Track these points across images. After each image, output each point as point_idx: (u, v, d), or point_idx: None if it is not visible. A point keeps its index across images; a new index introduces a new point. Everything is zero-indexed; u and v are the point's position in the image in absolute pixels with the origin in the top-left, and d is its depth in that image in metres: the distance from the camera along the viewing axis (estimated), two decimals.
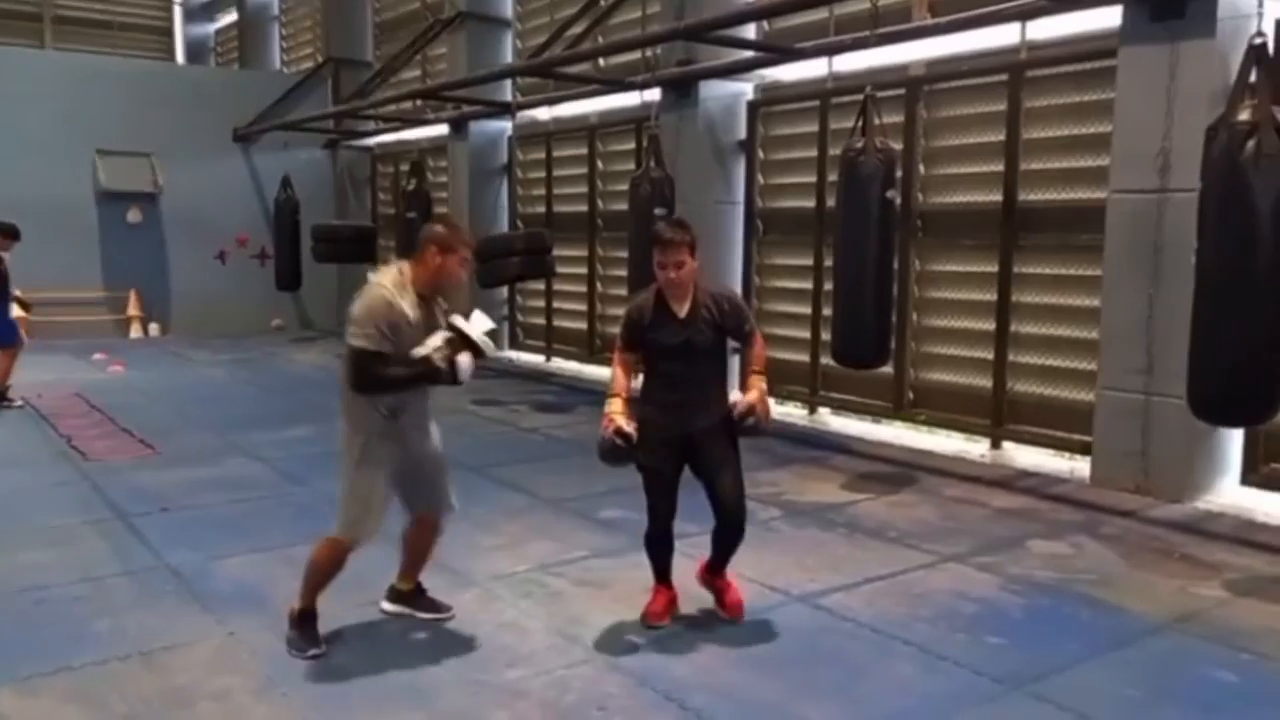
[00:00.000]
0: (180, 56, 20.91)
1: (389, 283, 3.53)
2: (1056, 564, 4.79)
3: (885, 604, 4.25)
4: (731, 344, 3.94)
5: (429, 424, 3.82)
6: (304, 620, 3.75)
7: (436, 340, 3.54)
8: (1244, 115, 4.26)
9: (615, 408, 3.77)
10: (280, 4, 18.42)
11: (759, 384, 3.82)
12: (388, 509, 3.72)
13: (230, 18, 20.01)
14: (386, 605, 4.08)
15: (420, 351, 3.51)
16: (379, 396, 3.55)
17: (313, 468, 6.55)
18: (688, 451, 3.84)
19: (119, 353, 12.09)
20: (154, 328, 14.26)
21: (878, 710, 3.32)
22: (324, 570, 3.74)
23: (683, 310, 3.80)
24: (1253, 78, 4.32)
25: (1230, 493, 5.87)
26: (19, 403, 8.62)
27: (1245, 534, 5.20)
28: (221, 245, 14.67)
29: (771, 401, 3.92)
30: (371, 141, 15.34)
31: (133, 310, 14.06)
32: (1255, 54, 4.31)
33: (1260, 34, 4.34)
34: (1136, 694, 3.44)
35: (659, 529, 3.94)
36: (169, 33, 21.06)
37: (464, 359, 3.51)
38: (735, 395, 3.89)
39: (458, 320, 3.60)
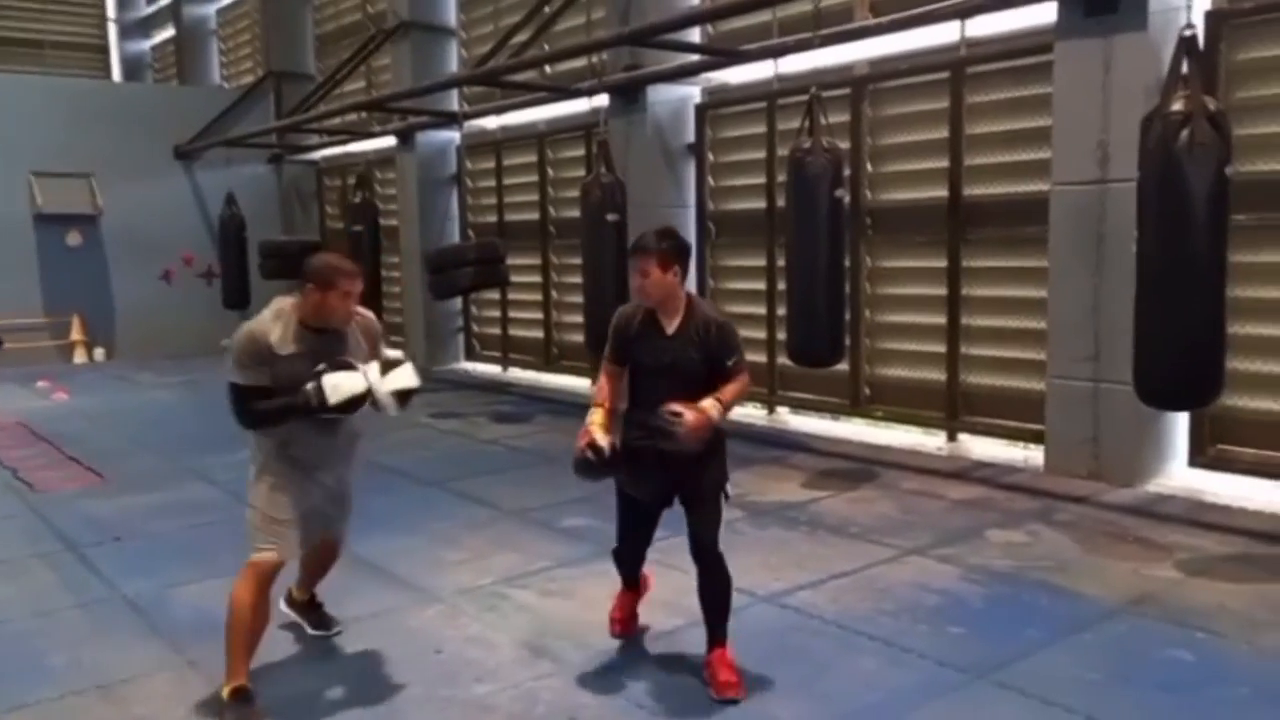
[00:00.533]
0: (117, 74, 20.50)
1: (267, 314, 3.44)
2: (1014, 552, 4.87)
3: (849, 600, 4.28)
4: None
5: (338, 463, 3.64)
6: (238, 702, 3.31)
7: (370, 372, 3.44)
8: (1177, 105, 4.36)
9: (595, 419, 3.50)
10: (218, 18, 18.13)
11: (709, 403, 3.33)
12: (297, 525, 3.52)
13: (167, 33, 19.65)
14: (283, 606, 4.06)
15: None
16: (266, 429, 3.47)
17: None
18: (675, 483, 3.52)
19: (63, 379, 11.80)
20: (99, 352, 13.95)
21: (844, 706, 3.34)
22: (244, 618, 3.37)
23: (671, 327, 3.48)
24: (1184, 69, 4.43)
25: (1179, 475, 6.01)
26: None
27: (1195, 515, 5.32)
28: (166, 265, 14.40)
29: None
30: (317, 155, 15.16)
31: (76, 335, 13.74)
32: (1185, 45, 4.42)
33: (1190, 26, 4.46)
34: (1096, 677, 3.51)
35: (625, 551, 3.80)
36: (105, 50, 20.64)
37: (343, 383, 3.34)
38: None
39: (366, 367, 3.46)
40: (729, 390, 3.41)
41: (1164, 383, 4.64)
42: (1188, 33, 4.42)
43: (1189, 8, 4.61)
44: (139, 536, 5.52)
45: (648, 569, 3.91)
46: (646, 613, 4.03)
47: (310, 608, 4.09)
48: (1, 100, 13.25)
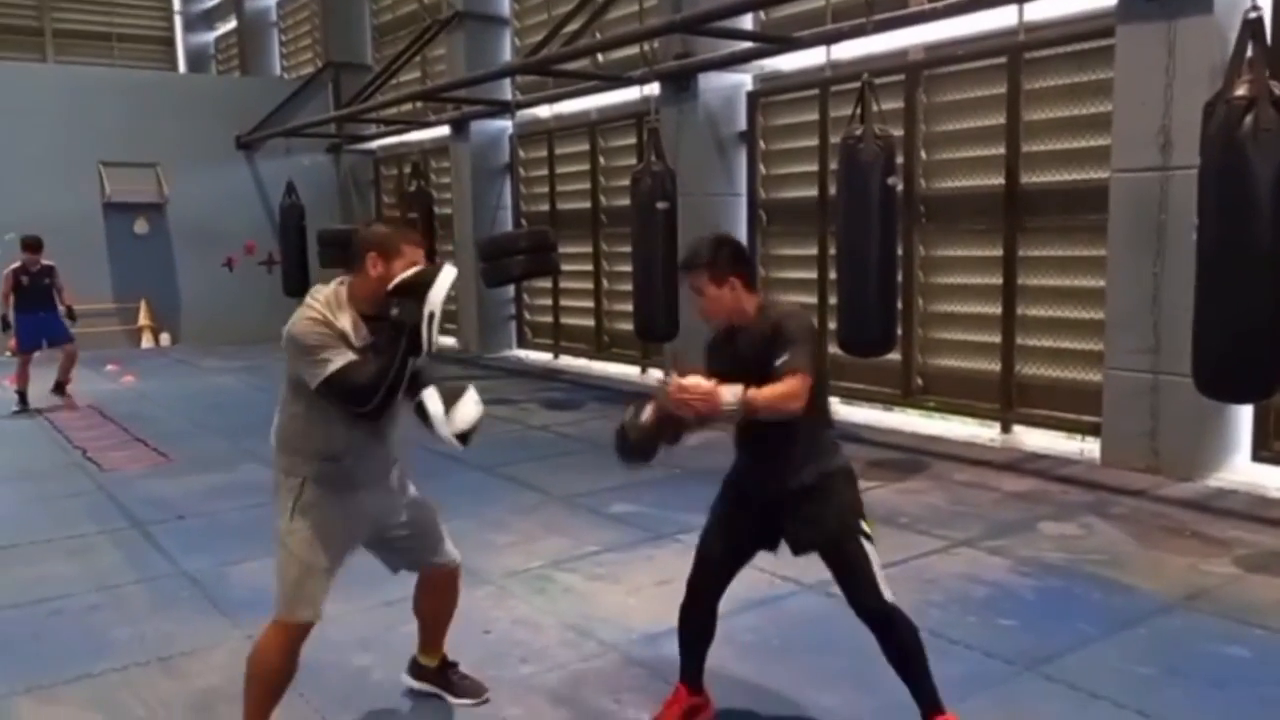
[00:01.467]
0: (182, 65, 21.01)
1: (318, 304, 2.84)
2: (1067, 545, 4.80)
3: (896, 590, 4.19)
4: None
5: (393, 468, 3.06)
6: None
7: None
8: (1241, 90, 4.24)
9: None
10: (279, 10, 18.48)
11: (727, 388, 2.70)
12: (332, 576, 2.97)
13: (230, 25, 20.09)
14: (410, 680, 3.45)
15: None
16: (313, 438, 2.90)
17: None
18: (767, 521, 3.00)
19: (131, 363, 12.17)
20: (165, 337, 14.36)
21: (889, 696, 3.31)
22: (271, 682, 2.95)
23: (741, 335, 2.96)
24: (1249, 52, 4.30)
25: (1241, 469, 5.86)
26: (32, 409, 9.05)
27: (1256, 510, 5.20)
28: (229, 253, 14.76)
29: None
30: (374, 144, 15.39)
31: (143, 320, 14.16)
32: (1251, 28, 4.29)
33: (1255, 8, 4.32)
34: (1148, 672, 3.45)
35: (689, 606, 3.12)
36: (170, 42, 21.17)
37: (469, 412, 2.96)
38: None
39: (427, 394, 2.98)
40: (767, 389, 2.71)
41: (1223, 374, 4.52)
42: (1253, 15, 4.29)
43: None
44: (201, 515, 5.70)
45: None
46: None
47: (444, 672, 3.41)
48: (72, 92, 13.68)
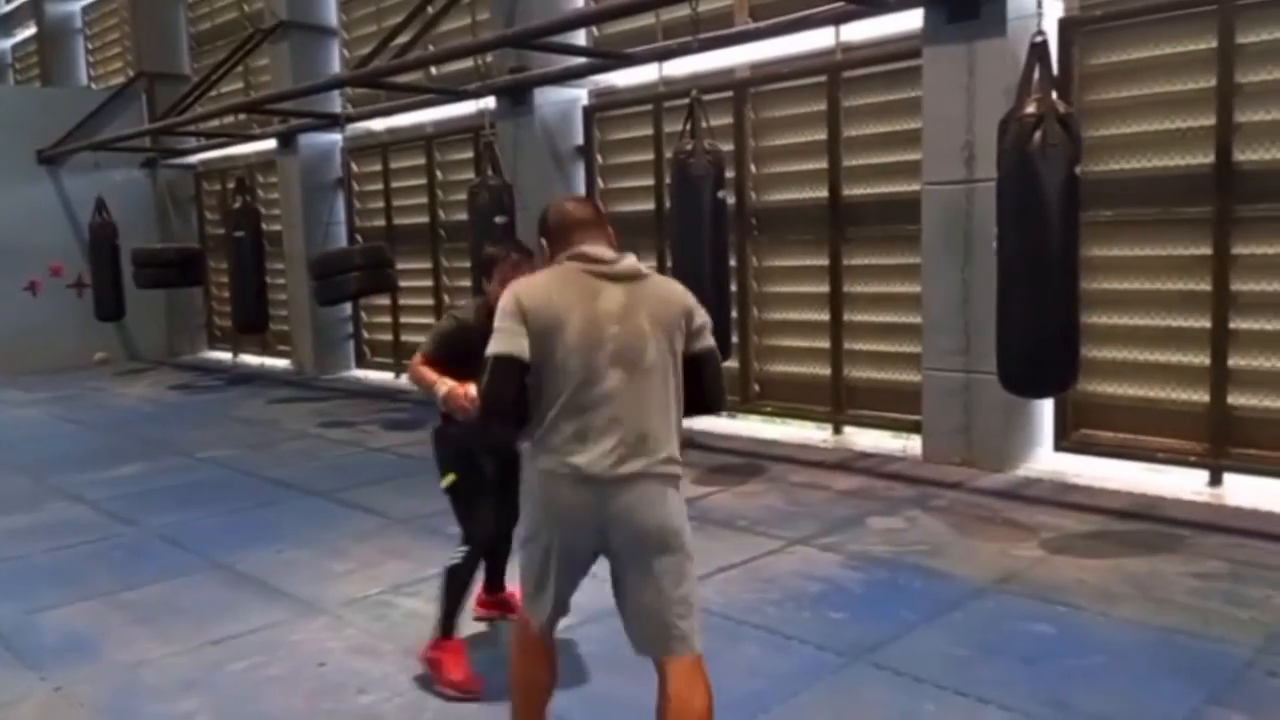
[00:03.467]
0: None
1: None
2: (892, 538, 5.06)
3: (735, 590, 4.38)
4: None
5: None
6: None
7: None
8: (1030, 109, 4.60)
9: None
10: (84, 16, 17.29)
11: None
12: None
13: (29, 31, 18.62)
14: None
15: None
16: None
17: (143, 506, 6.23)
18: None
19: None
20: None
21: (729, 694, 3.38)
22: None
23: None
24: (1037, 73, 4.68)
25: (1045, 459, 6.33)
26: None
27: (1059, 496, 5.62)
28: (32, 275, 13.65)
29: None
30: (194, 159, 14.61)
31: None
32: (1037, 51, 4.66)
33: (1040, 32, 4.70)
34: (964, 652, 3.68)
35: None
36: None
37: None
38: None
39: None
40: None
41: (1024, 371, 4.88)
42: (1038, 39, 4.67)
43: (1040, 15, 4.86)
44: (3, 560, 5.24)
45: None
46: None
47: None
48: None
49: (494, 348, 2.50)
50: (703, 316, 2.66)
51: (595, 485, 2.48)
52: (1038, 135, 4.54)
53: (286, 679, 3.68)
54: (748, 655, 3.72)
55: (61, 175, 13.96)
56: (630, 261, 2.60)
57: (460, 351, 3.31)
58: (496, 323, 2.53)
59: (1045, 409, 6.35)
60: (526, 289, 2.56)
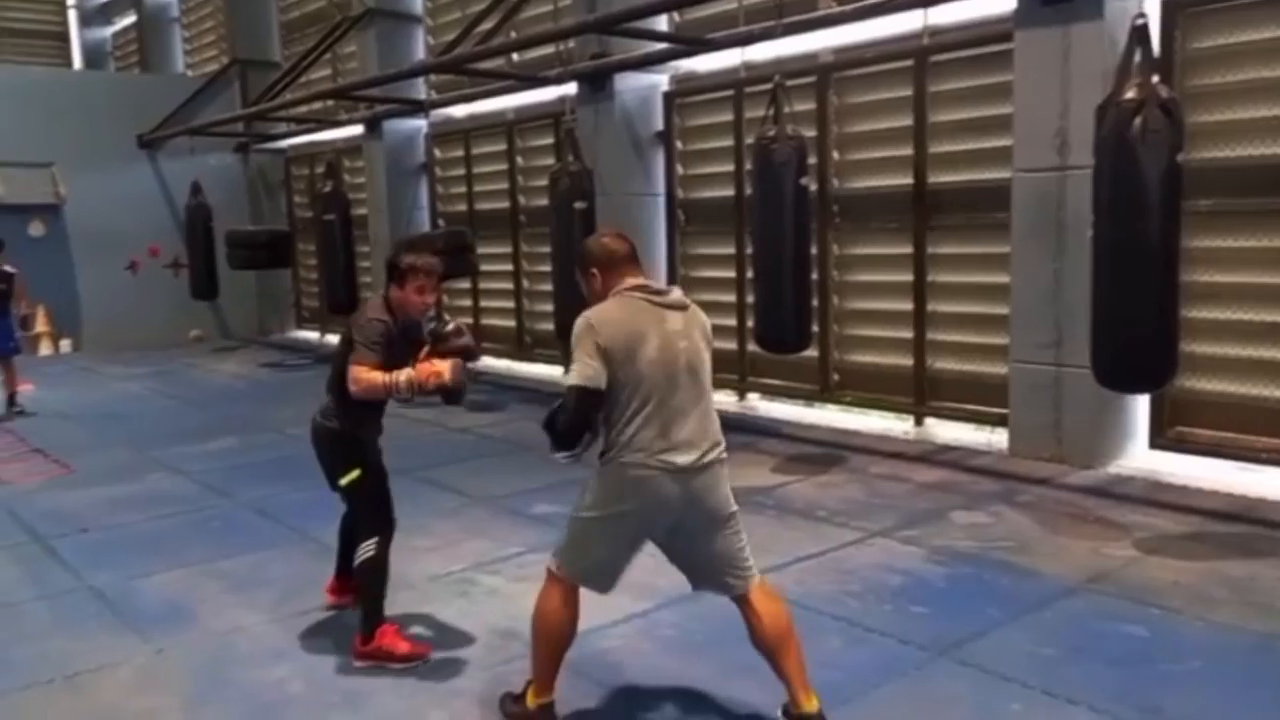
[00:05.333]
0: (77, 62, 20.17)
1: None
2: (977, 533, 4.96)
3: (814, 581, 4.35)
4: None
5: None
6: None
7: None
8: (1130, 94, 4.44)
9: None
10: (180, 5, 17.88)
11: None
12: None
13: (128, 20, 19.35)
14: None
15: None
16: None
17: (236, 480, 6.46)
18: None
19: (28, 371, 11.63)
20: (65, 344, 13.77)
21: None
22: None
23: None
24: (1137, 57, 4.51)
25: (1140, 456, 6.13)
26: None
27: (1153, 495, 5.44)
28: (132, 256, 14.22)
29: None
30: (284, 144, 15.02)
31: (41, 327, 13.53)
32: (1137, 34, 4.49)
33: (1141, 15, 4.53)
34: (1052, 652, 3.59)
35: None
36: (64, 38, 20.32)
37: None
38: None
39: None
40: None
41: (1118, 366, 4.73)
42: (1139, 21, 4.50)
43: None
44: (105, 528, 5.49)
45: None
46: (615, 596, 4.08)
47: None
48: None
49: (577, 379, 2.89)
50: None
51: (683, 476, 2.92)
52: (1138, 121, 4.38)
53: None
54: (827, 646, 3.69)
55: (160, 159, 14.49)
56: (679, 293, 3.12)
57: (390, 351, 3.61)
58: (574, 352, 2.91)
59: (1139, 405, 6.15)
60: (601, 319, 2.94)
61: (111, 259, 13.98)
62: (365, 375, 3.54)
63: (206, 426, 8.43)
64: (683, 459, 2.90)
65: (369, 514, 3.76)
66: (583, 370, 2.87)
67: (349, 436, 3.76)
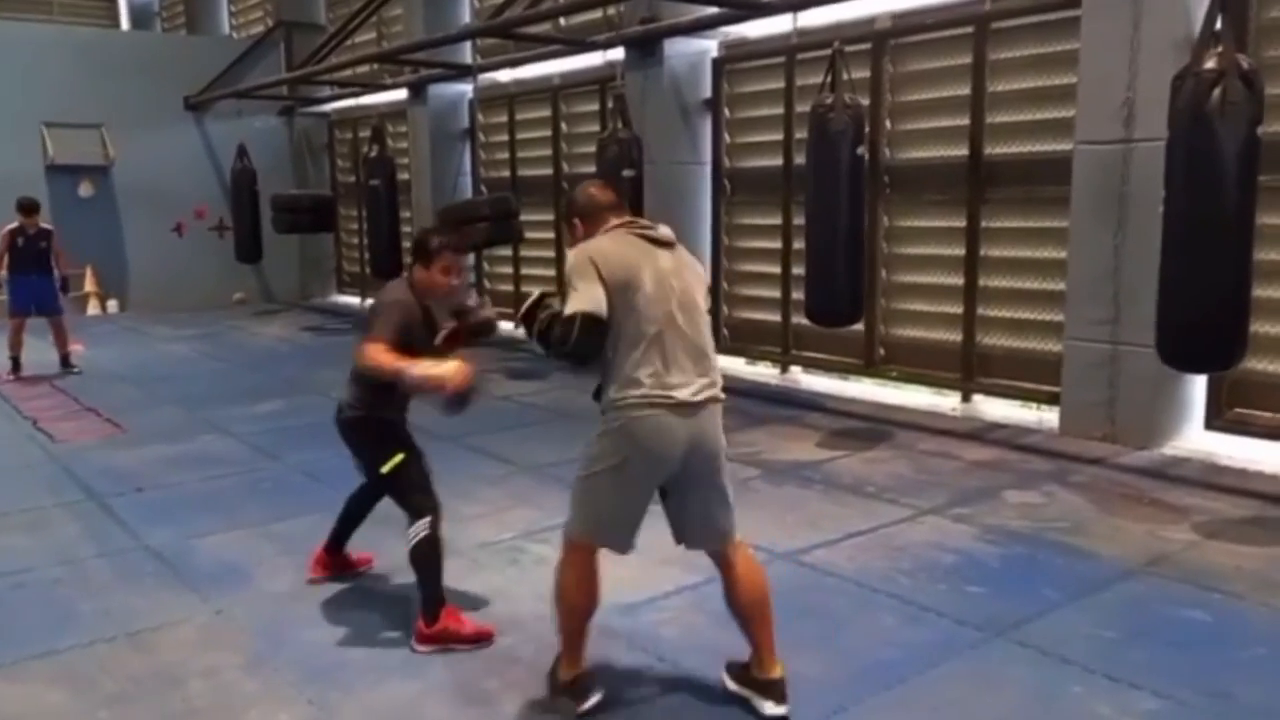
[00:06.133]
0: (124, 23, 20.29)
1: None
2: (1030, 513, 4.89)
3: (866, 558, 4.32)
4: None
5: None
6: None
7: None
8: (1209, 64, 4.29)
9: None
10: None
11: None
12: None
13: None
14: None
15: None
16: None
17: (286, 442, 6.52)
18: None
19: (77, 330, 11.81)
20: (112, 304, 13.98)
21: (863, 661, 3.38)
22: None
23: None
24: (1217, 25, 4.35)
25: (1195, 438, 6.00)
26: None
27: (1211, 478, 5.33)
28: (178, 217, 14.36)
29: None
30: (328, 108, 15.04)
31: (89, 287, 13.75)
32: (1220, 2, 4.33)
33: None
34: (1113, 635, 3.54)
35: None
36: None
37: None
38: None
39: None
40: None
41: (1189, 344, 4.61)
42: None
43: None
44: (159, 487, 5.57)
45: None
46: (667, 567, 4.08)
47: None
48: (13, 50, 13.14)
49: (578, 306, 2.81)
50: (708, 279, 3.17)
51: (686, 411, 2.88)
52: (1217, 93, 4.23)
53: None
54: (882, 624, 3.67)
55: (205, 122, 14.58)
56: (668, 230, 3.05)
57: (409, 334, 3.56)
58: (574, 281, 2.85)
59: (1196, 386, 6.01)
60: (598, 251, 2.89)
61: (157, 220, 14.13)
62: (376, 354, 3.45)
63: (253, 389, 8.53)
64: (683, 394, 2.86)
65: (418, 496, 3.65)
66: (589, 294, 2.79)
67: (377, 421, 3.71)
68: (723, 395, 3.01)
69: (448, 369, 3.36)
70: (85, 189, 13.63)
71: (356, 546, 4.22)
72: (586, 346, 2.85)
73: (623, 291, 2.83)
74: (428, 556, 3.56)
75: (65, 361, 9.34)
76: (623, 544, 3.03)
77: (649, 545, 4.15)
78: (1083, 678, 3.23)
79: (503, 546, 4.56)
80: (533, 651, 3.49)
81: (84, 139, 13.47)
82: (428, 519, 3.59)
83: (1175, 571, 4.11)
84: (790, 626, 3.62)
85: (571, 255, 2.94)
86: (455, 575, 4.14)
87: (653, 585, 3.96)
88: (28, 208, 9.04)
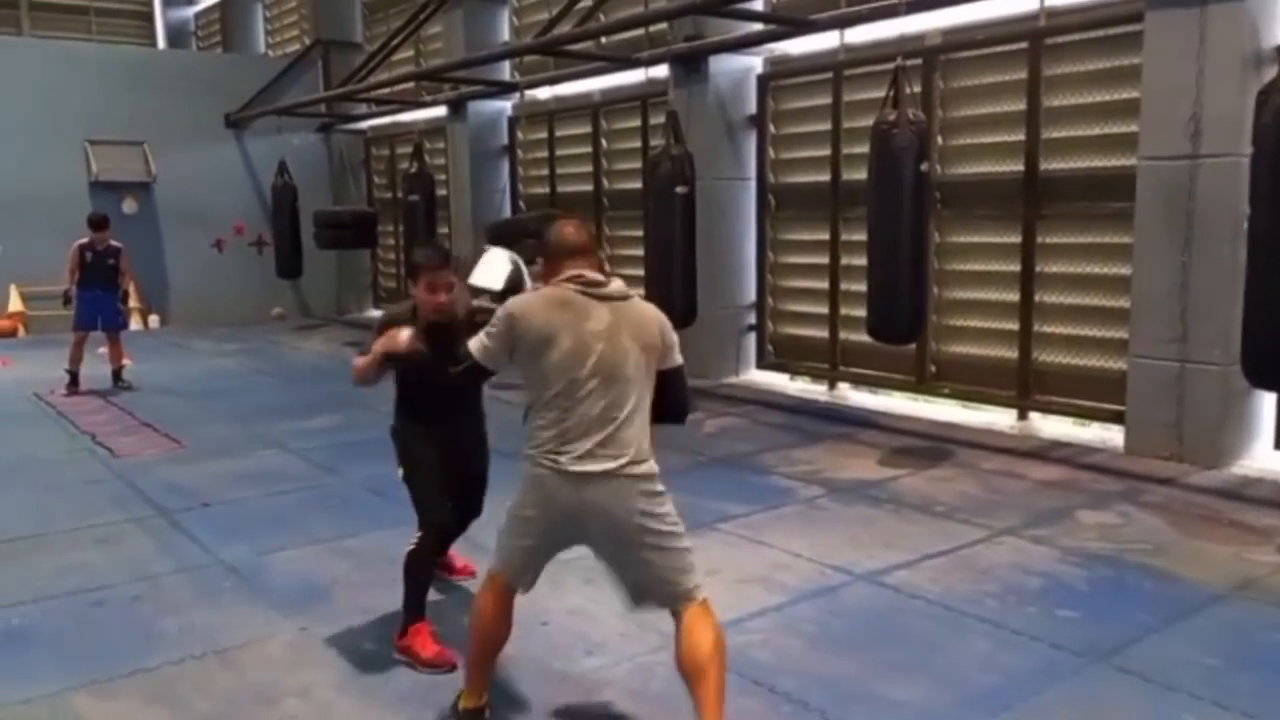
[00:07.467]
0: (161, 41, 20.53)
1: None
2: (1108, 534, 4.82)
3: (950, 580, 4.26)
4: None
5: None
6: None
7: None
8: None
9: None
10: None
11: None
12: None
13: (211, 0, 19.65)
14: None
15: None
16: None
17: (343, 457, 6.53)
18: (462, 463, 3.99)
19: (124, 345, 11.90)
20: (154, 319, 14.09)
21: (966, 689, 3.32)
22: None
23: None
24: None
25: (1263, 457, 5.92)
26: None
27: None
28: (218, 234, 14.49)
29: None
30: (364, 125, 15.15)
31: (133, 302, 13.81)
32: None
33: None
34: (1215, 662, 3.47)
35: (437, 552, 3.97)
36: (149, 17, 20.65)
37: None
38: None
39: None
40: None
41: (1275, 362, 4.54)
42: None
43: None
44: (225, 502, 5.58)
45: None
46: (746, 587, 4.03)
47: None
48: (57, 68, 13.32)
49: (473, 348, 2.95)
50: (673, 336, 3.01)
51: (572, 480, 2.82)
52: None
53: (515, 638, 3.76)
54: (978, 649, 3.61)
55: (245, 139, 14.71)
56: (619, 284, 2.95)
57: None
58: (489, 327, 2.94)
59: (1266, 403, 5.93)
60: (523, 311, 2.89)
61: (198, 236, 14.25)
62: (355, 363, 3.66)
63: (304, 403, 8.56)
64: (576, 465, 2.80)
65: (421, 509, 3.75)
66: (485, 347, 2.92)
67: (399, 429, 3.84)
68: (640, 470, 2.86)
69: (394, 334, 3.51)
70: (129, 205, 13.76)
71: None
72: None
73: (532, 351, 2.85)
74: (410, 569, 3.65)
75: (118, 377, 9.40)
76: (520, 584, 3.06)
77: (722, 565, 4.14)
78: (1192, 705, 3.17)
79: (578, 564, 4.48)
80: (625, 673, 3.47)
81: (127, 156, 13.62)
82: (419, 535, 3.69)
83: (1269, 595, 4.04)
84: (885, 651, 3.60)
85: (502, 306, 2.98)
86: (535, 593, 4.12)
87: (739, 606, 3.92)
88: (98, 223, 9.08)
